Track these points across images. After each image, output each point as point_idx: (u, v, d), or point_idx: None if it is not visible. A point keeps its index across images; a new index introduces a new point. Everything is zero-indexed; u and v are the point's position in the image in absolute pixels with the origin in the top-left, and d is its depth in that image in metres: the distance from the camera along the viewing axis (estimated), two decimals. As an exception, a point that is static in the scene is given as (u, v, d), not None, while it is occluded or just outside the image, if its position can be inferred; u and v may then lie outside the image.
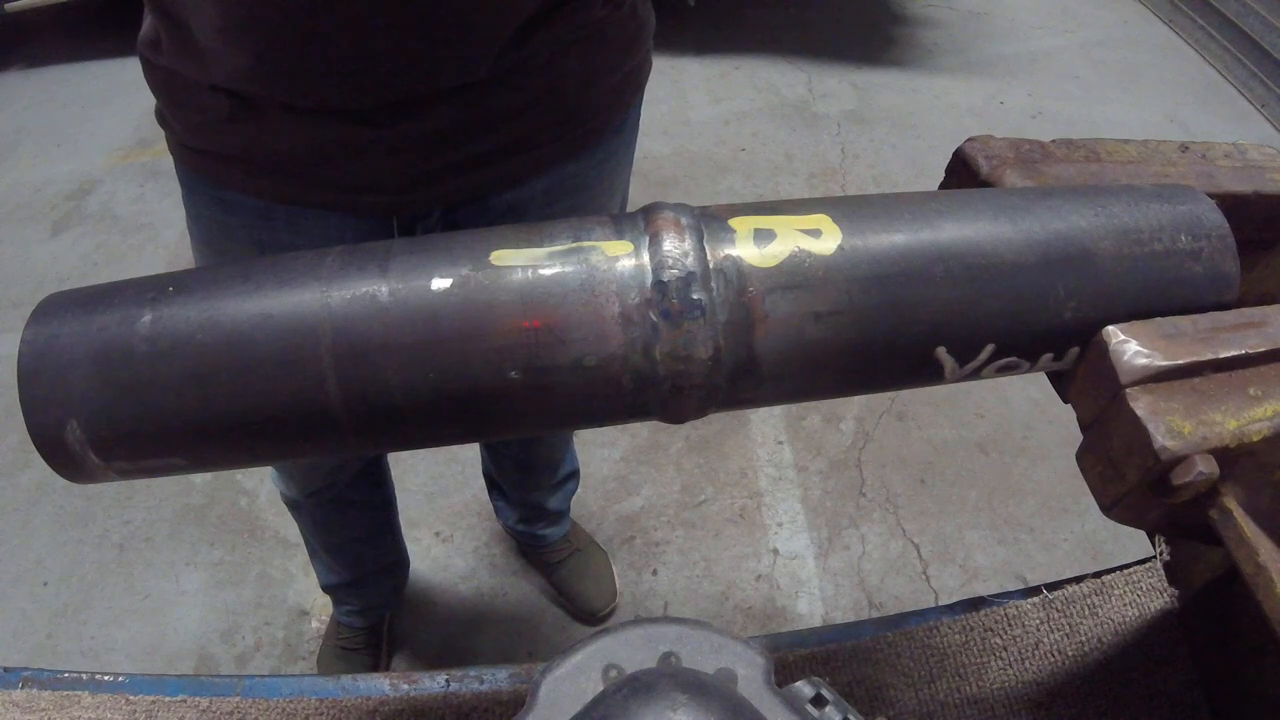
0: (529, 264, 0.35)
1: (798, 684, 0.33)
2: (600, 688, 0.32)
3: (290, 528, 1.28)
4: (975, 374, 0.37)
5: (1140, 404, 0.33)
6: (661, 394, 0.35)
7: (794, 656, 0.68)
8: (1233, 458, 0.34)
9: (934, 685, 0.67)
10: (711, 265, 0.34)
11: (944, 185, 0.49)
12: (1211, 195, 0.40)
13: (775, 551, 1.66)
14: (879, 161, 2.62)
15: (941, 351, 0.36)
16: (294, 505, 1.21)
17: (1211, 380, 0.35)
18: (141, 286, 0.37)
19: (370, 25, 0.63)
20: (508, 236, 0.37)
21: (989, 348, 0.36)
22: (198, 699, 0.66)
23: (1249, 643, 0.61)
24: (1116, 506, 0.36)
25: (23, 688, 0.65)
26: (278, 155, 0.73)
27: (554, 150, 0.79)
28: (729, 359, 0.34)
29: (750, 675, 0.32)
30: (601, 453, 1.82)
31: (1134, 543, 0.73)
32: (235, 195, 0.77)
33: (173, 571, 1.63)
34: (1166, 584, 0.70)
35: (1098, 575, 0.72)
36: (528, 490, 1.46)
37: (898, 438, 1.86)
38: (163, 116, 0.78)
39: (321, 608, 1.55)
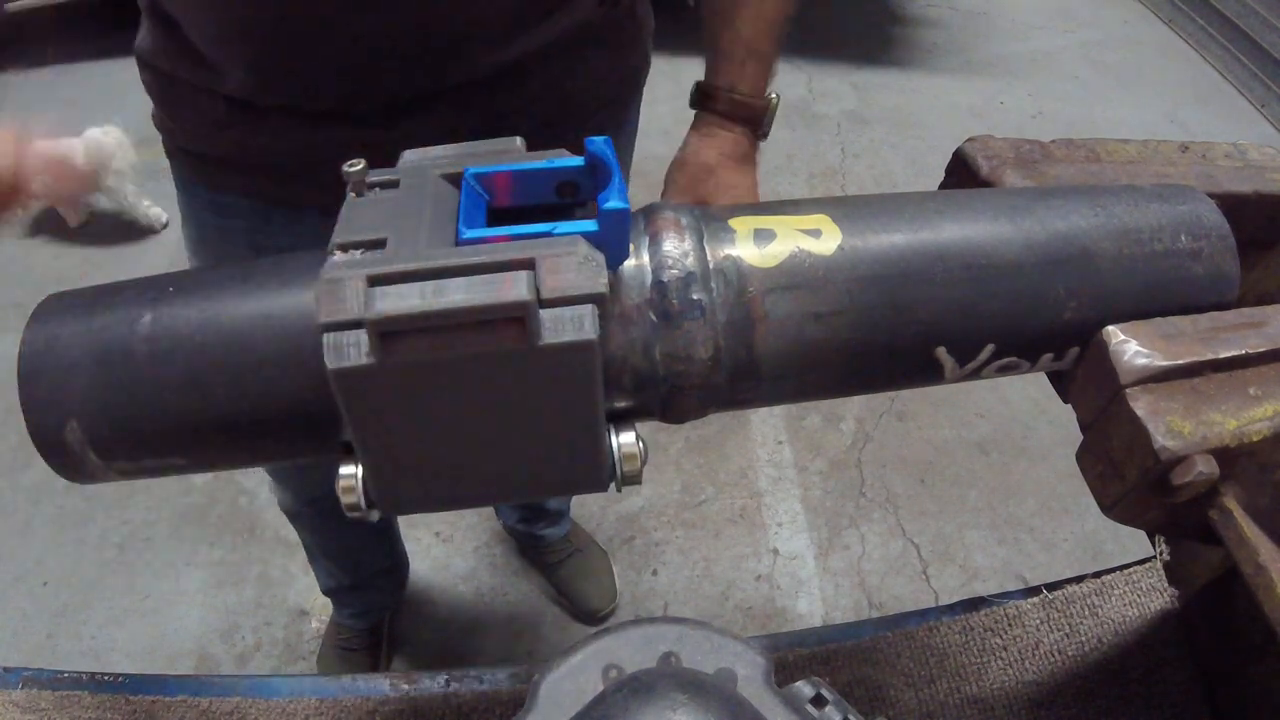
0: (529, 263, 0.35)
1: (798, 684, 0.33)
2: (600, 688, 0.32)
3: (290, 528, 1.29)
4: (975, 374, 0.37)
5: (1140, 404, 0.33)
6: (661, 394, 0.35)
7: (794, 656, 0.68)
8: (1233, 458, 0.34)
9: (934, 685, 0.67)
10: (711, 265, 0.34)
11: (944, 185, 0.49)
12: (1211, 195, 0.40)
13: (775, 551, 1.66)
14: (879, 161, 2.61)
15: (941, 351, 0.36)
16: (293, 514, 1.21)
17: (1211, 380, 0.35)
18: (141, 286, 0.37)
19: (369, 26, 0.63)
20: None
21: (989, 348, 0.36)
22: (198, 699, 0.66)
23: (1249, 643, 0.61)
24: (1116, 506, 0.36)
25: (23, 688, 0.65)
26: (276, 158, 0.73)
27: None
28: (729, 359, 0.34)
29: (750, 675, 0.32)
30: (601, 453, 1.82)
31: (1134, 543, 0.73)
32: (233, 198, 0.77)
33: (173, 571, 1.63)
34: (1166, 584, 0.70)
35: (1098, 575, 0.72)
36: (527, 491, 1.46)
37: (898, 438, 1.86)
38: (160, 120, 0.78)
39: (321, 608, 1.55)
